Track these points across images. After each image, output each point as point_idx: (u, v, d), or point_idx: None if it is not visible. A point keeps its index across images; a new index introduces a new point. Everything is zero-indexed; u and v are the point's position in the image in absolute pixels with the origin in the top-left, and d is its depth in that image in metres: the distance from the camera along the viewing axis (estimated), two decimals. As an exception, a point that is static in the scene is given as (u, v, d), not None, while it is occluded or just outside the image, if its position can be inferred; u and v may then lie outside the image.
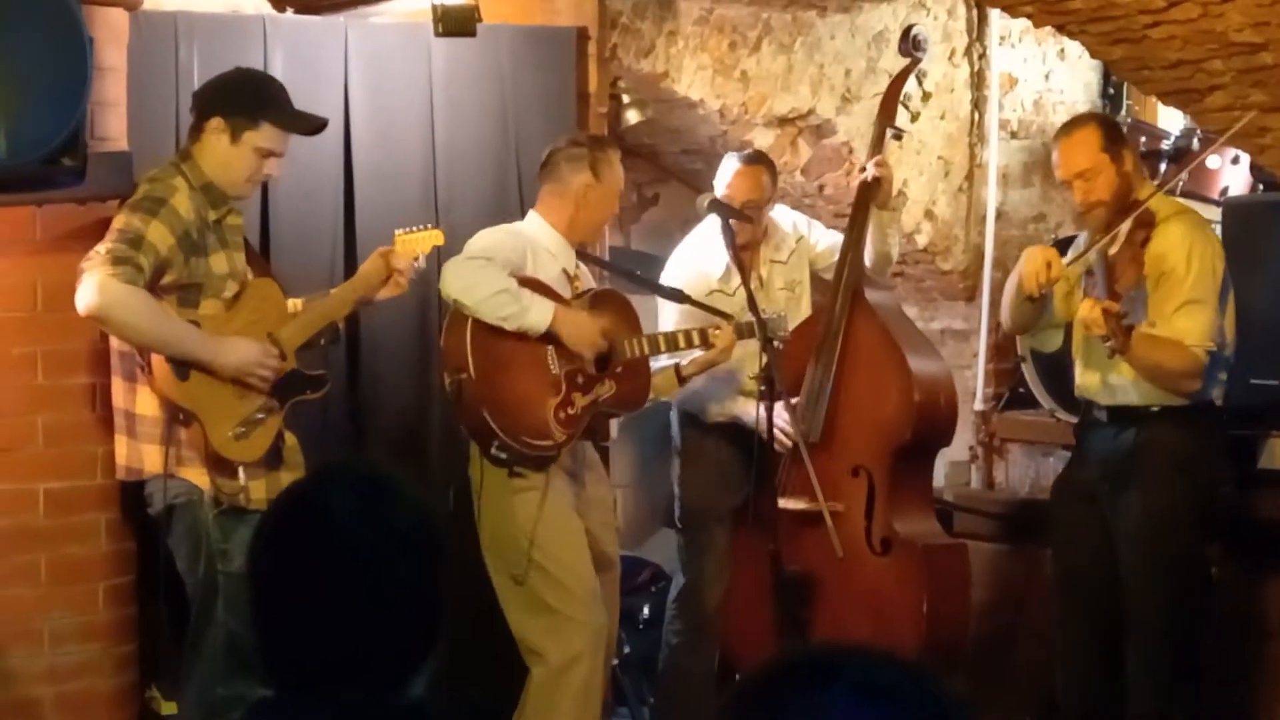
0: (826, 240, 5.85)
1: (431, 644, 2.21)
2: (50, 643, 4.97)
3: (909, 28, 5.73)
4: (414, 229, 5.15)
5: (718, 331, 5.32)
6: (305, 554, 2.17)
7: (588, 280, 5.36)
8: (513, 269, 5.01)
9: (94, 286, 4.46)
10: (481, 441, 5.04)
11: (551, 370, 5.08)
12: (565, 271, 5.21)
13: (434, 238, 5.18)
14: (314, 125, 4.90)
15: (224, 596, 4.59)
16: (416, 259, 5.06)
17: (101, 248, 4.51)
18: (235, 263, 4.74)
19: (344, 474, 2.28)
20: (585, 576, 5.07)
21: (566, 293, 5.17)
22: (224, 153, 4.69)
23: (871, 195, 5.55)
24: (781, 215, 5.90)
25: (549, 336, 5.03)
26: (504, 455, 5.00)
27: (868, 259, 5.57)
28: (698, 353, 5.40)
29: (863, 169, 5.63)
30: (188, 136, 4.78)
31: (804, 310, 5.80)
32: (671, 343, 5.36)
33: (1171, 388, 4.98)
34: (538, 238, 5.17)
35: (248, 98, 4.74)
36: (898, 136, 5.72)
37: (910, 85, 5.81)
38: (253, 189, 4.85)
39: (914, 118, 5.72)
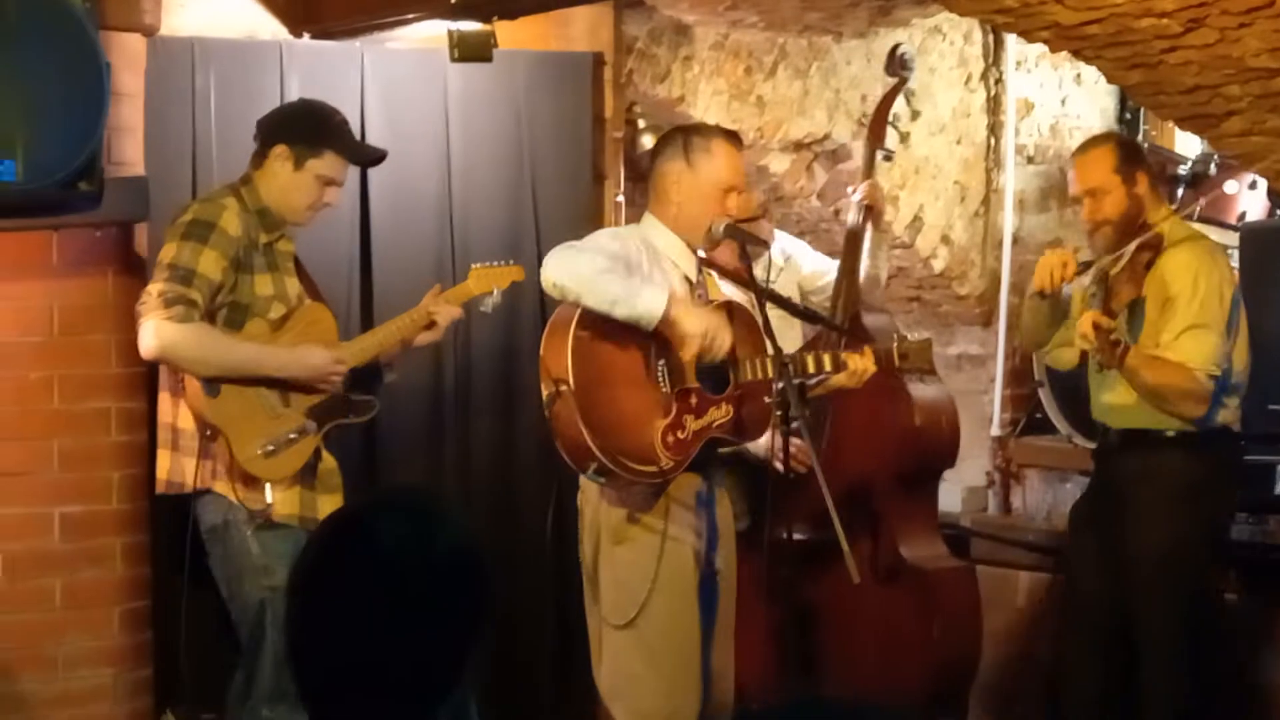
0: (813, 263, 5.73)
1: (472, 676, 2.19)
2: (64, 667, 4.97)
3: (895, 46, 5.71)
4: (493, 263, 5.12)
5: (855, 355, 4.71)
6: (346, 580, 2.16)
7: (710, 289, 4.84)
8: (622, 266, 4.51)
9: (151, 333, 4.52)
10: (577, 461, 4.50)
11: (662, 388, 4.55)
12: (687, 279, 4.72)
13: (513, 273, 5.12)
14: (374, 156, 5.05)
15: (271, 613, 4.58)
16: (491, 293, 5.05)
17: (154, 288, 4.53)
18: (284, 286, 4.76)
19: (391, 502, 2.27)
20: (684, 650, 4.63)
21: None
22: (287, 179, 4.74)
23: (864, 218, 5.50)
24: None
25: (661, 347, 4.52)
26: (602, 479, 4.49)
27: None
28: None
29: (852, 192, 5.57)
30: (250, 162, 4.81)
31: (796, 332, 5.66)
32: (801, 366, 4.68)
33: (1173, 411, 4.96)
34: (653, 239, 4.70)
35: (312, 126, 4.80)
36: (888, 158, 5.71)
37: (898, 105, 5.79)
38: (311, 216, 4.84)
39: (904, 138, 5.73)
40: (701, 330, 4.48)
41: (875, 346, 4.77)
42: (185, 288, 4.53)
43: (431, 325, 4.95)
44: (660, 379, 4.57)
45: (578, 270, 4.42)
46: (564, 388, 4.44)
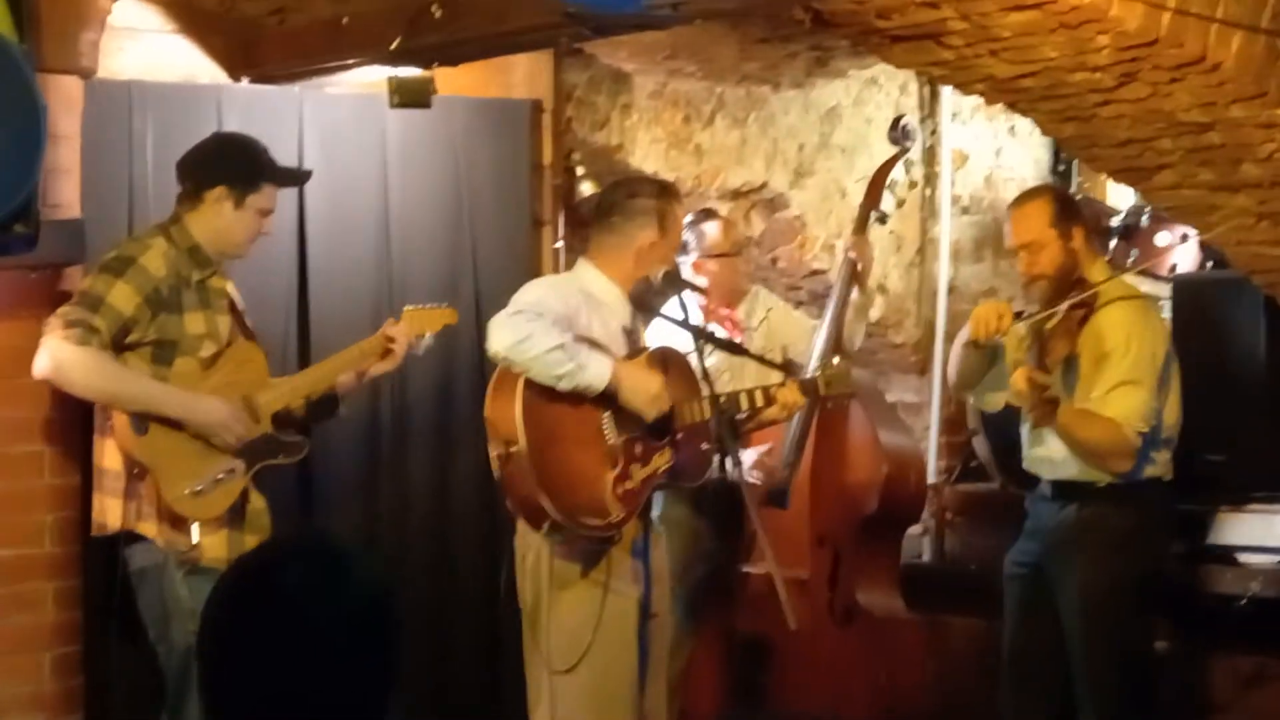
0: (788, 315, 5.88)
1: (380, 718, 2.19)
2: (-6, 714, 4.91)
3: (898, 118, 5.90)
4: (425, 305, 5.13)
5: (781, 388, 4.91)
6: (255, 625, 2.16)
7: (642, 335, 4.91)
8: (565, 324, 4.56)
9: (46, 351, 4.53)
10: (531, 520, 4.57)
11: (608, 440, 4.62)
12: (624, 329, 4.78)
13: (446, 315, 5.13)
14: (304, 177, 5.11)
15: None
16: (423, 336, 5.05)
17: (60, 311, 4.55)
18: (215, 324, 4.74)
19: (297, 547, 2.26)
20: (622, 694, 4.65)
21: (622, 351, 4.73)
22: (230, 218, 4.74)
23: (851, 274, 5.59)
24: (758, 289, 5.94)
25: (606, 400, 4.59)
26: (557, 537, 4.55)
27: None
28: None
29: (850, 250, 5.66)
30: (178, 202, 4.79)
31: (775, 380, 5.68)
32: (734, 404, 4.85)
33: (1101, 466, 4.99)
34: (592, 290, 4.75)
35: (246, 164, 4.80)
36: (882, 220, 5.83)
37: (896, 172, 5.91)
38: (250, 246, 4.86)
39: (899, 204, 5.81)
40: (652, 402, 4.60)
41: (801, 378, 4.98)
42: (90, 314, 4.53)
43: (388, 354, 4.95)
44: (606, 431, 4.62)
45: (527, 348, 4.45)
46: (515, 448, 4.48)
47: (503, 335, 4.50)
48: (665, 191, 4.90)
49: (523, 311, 4.54)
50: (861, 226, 5.67)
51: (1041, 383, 4.74)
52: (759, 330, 5.65)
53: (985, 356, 5.15)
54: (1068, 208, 5.18)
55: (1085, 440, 4.91)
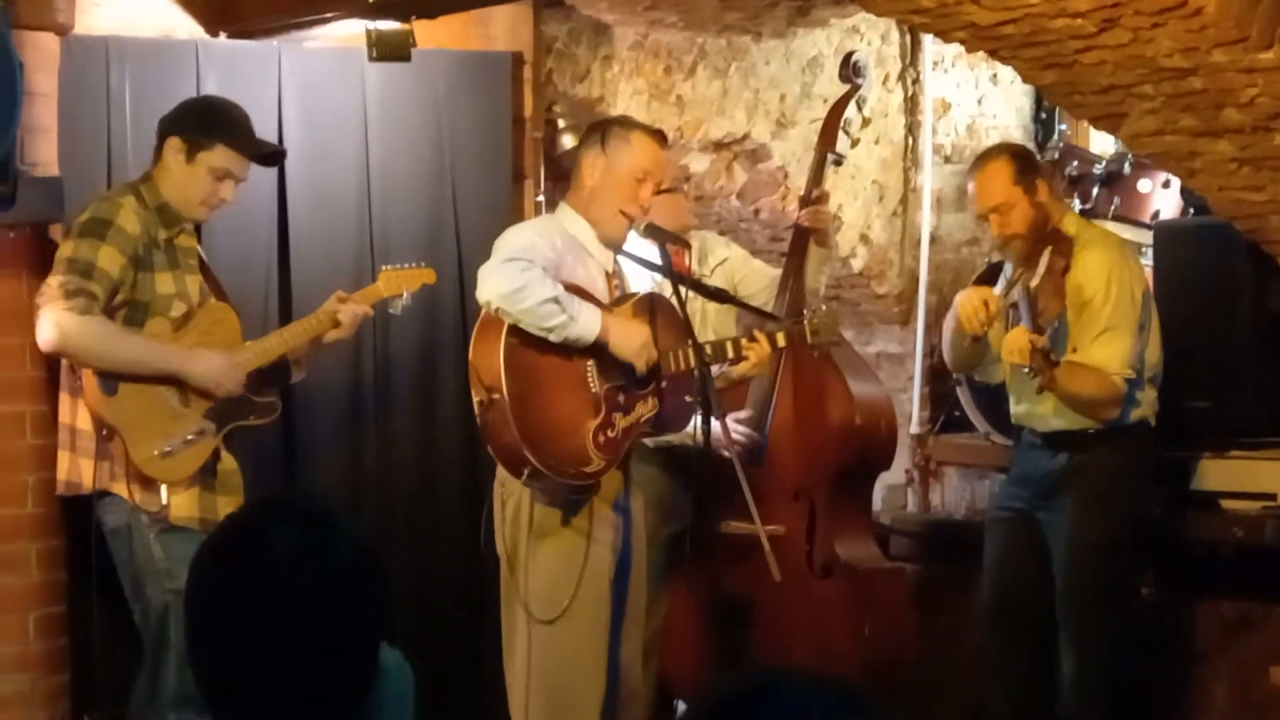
0: (747, 265, 5.63)
1: (370, 680, 2.19)
2: (-20, 674, 4.91)
3: (849, 54, 5.67)
4: (403, 265, 5.13)
5: (751, 344, 4.85)
6: (241, 586, 2.15)
7: (626, 281, 4.93)
8: (553, 270, 4.54)
9: (51, 323, 4.51)
10: (511, 468, 4.59)
11: (591, 388, 4.63)
12: (606, 273, 4.79)
13: (423, 275, 5.12)
14: (267, 151, 4.99)
15: (174, 616, 4.54)
16: (400, 295, 5.04)
17: (54, 280, 4.53)
18: (185, 284, 4.73)
19: (282, 507, 2.27)
20: (597, 645, 4.69)
21: (605, 296, 4.74)
22: (180, 172, 4.72)
23: (811, 233, 5.41)
24: (706, 235, 5.81)
25: (592, 349, 4.58)
26: (537, 484, 4.56)
27: None
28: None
29: (805, 200, 5.47)
30: (152, 158, 4.77)
31: (733, 324, 5.60)
32: (720, 353, 4.83)
33: (1090, 414, 5.02)
34: (571, 231, 4.73)
35: (205, 119, 4.78)
36: (838, 163, 5.64)
37: (850, 111, 5.75)
38: (207, 212, 4.83)
39: (854, 144, 5.74)
40: (641, 354, 4.61)
41: (786, 326, 4.92)
42: (86, 280, 4.52)
43: (338, 324, 4.93)
44: (590, 379, 4.63)
45: (520, 299, 4.44)
46: (497, 396, 4.49)
47: (496, 283, 4.49)
48: (617, 118, 4.95)
49: (516, 259, 4.51)
50: (819, 171, 5.51)
51: (1042, 346, 4.74)
52: (713, 277, 5.44)
53: (982, 342, 5.16)
54: (1027, 163, 5.19)
55: (1076, 393, 4.94)
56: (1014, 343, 4.80)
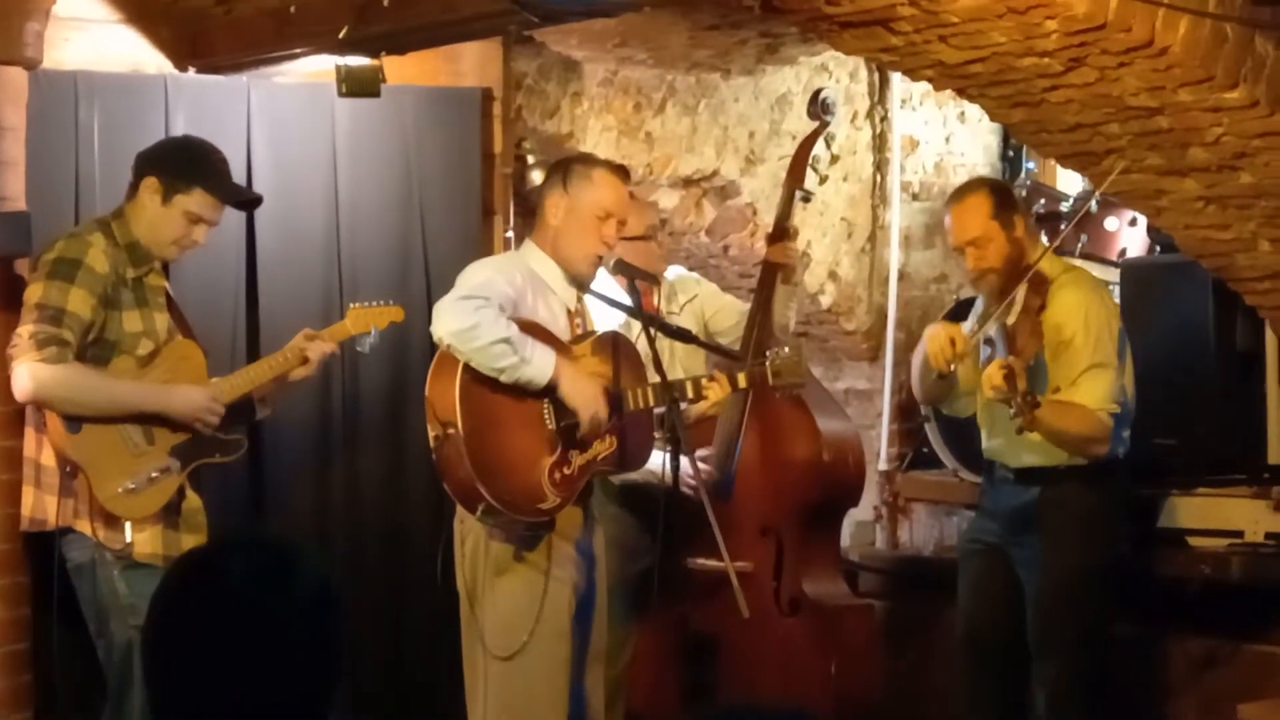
0: (718, 301, 5.63)
1: (327, 712, 2.19)
2: (-58, 711, 4.86)
3: (817, 91, 5.68)
4: (372, 303, 5.11)
5: (711, 384, 4.82)
6: (200, 620, 2.16)
7: (589, 319, 4.92)
8: (511, 307, 4.56)
9: (26, 375, 4.50)
10: (466, 504, 4.60)
11: (547, 425, 4.62)
12: (569, 310, 4.80)
13: (391, 313, 5.11)
14: (245, 198, 4.98)
15: (137, 653, 4.50)
16: (368, 333, 5.03)
17: (24, 330, 4.51)
18: (153, 322, 4.71)
19: (242, 542, 2.27)
20: (558, 679, 4.68)
21: (566, 334, 4.74)
22: (154, 212, 4.70)
23: (778, 268, 5.40)
24: (675, 270, 5.81)
25: (547, 388, 4.58)
26: (491, 520, 4.56)
27: None
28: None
29: (773, 236, 5.46)
30: (125, 195, 4.76)
31: (701, 361, 5.65)
32: (680, 391, 4.77)
33: (1079, 451, 5.02)
34: (534, 268, 4.75)
35: (184, 162, 4.77)
36: (806, 199, 5.63)
37: (818, 148, 5.75)
38: (178, 252, 4.81)
39: (822, 180, 5.74)
40: (589, 407, 4.58)
41: (748, 367, 4.88)
42: (57, 328, 4.49)
43: (305, 361, 4.92)
44: (545, 416, 4.62)
45: (472, 338, 4.45)
46: (452, 430, 4.49)
47: (448, 321, 4.50)
48: (579, 156, 4.96)
49: (471, 297, 4.52)
50: (787, 207, 5.51)
51: (1020, 370, 4.72)
52: (682, 315, 5.48)
53: (949, 379, 5.15)
54: (1005, 198, 5.20)
55: (1064, 431, 4.94)
56: (991, 379, 4.78)
